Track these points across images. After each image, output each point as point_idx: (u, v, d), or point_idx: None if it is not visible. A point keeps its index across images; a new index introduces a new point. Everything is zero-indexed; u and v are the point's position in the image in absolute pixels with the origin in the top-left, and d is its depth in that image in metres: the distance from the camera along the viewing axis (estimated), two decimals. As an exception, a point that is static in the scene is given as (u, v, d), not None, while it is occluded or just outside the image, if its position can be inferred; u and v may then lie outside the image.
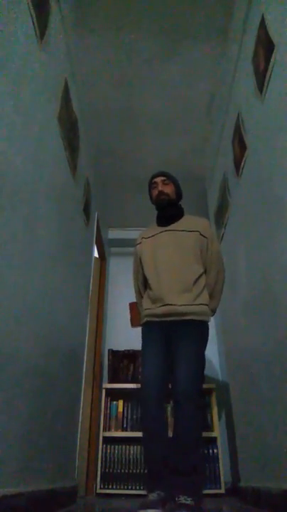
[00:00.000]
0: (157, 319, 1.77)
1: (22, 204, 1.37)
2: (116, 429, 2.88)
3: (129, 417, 2.93)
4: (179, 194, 2.01)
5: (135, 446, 2.82)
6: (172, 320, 1.72)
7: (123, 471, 2.75)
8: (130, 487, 2.69)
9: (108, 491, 2.68)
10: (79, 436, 2.32)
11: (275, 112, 1.68)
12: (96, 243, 3.31)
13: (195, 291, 1.75)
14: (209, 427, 2.80)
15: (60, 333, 1.92)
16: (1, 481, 1.12)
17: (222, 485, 2.63)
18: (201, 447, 2.28)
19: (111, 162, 3.47)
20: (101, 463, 2.75)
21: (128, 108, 2.95)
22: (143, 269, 1.92)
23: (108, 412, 2.94)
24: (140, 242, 2.00)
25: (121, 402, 2.98)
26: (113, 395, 3.04)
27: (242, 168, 2.24)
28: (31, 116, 1.49)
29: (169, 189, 1.95)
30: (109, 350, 3.33)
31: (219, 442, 2.75)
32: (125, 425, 2.90)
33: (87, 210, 2.73)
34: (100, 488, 2.69)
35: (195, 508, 1.42)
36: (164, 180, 1.97)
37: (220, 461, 2.70)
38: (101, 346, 3.47)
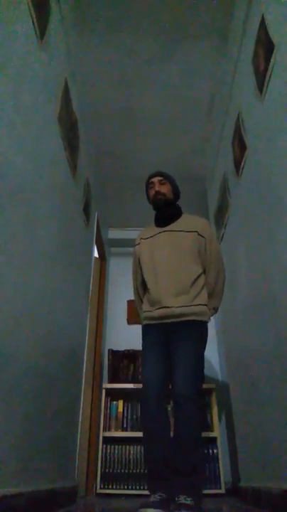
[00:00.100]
0: (155, 322, 1.77)
1: (22, 204, 1.37)
2: (116, 429, 2.88)
3: (129, 417, 2.93)
4: (176, 194, 2.00)
5: (135, 446, 2.82)
6: (171, 321, 1.73)
7: (123, 471, 2.75)
8: (130, 487, 2.69)
9: (108, 491, 2.68)
10: (79, 436, 2.32)
11: (275, 112, 1.68)
12: (96, 243, 3.31)
13: (193, 292, 1.75)
14: (209, 427, 2.80)
15: (60, 333, 1.92)
16: (1, 481, 1.12)
17: (222, 485, 2.63)
18: (201, 447, 2.27)
19: (111, 162, 3.47)
20: (101, 463, 2.75)
21: (128, 108, 2.95)
22: (141, 270, 1.93)
23: (108, 412, 2.94)
24: (139, 243, 2.00)
25: (121, 402, 2.98)
26: (113, 395, 3.04)
27: (242, 168, 2.24)
28: (31, 116, 1.49)
29: (166, 189, 1.95)
30: (109, 350, 3.33)
31: (219, 442, 2.75)
32: (125, 425, 2.90)
33: (87, 210, 2.73)
34: (100, 488, 2.69)
35: (195, 508, 1.42)
36: (161, 180, 1.96)
37: (220, 461, 2.70)
38: (101, 346, 3.47)
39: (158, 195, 1.93)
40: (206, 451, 2.73)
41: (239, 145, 2.28)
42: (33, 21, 1.48)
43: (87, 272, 2.84)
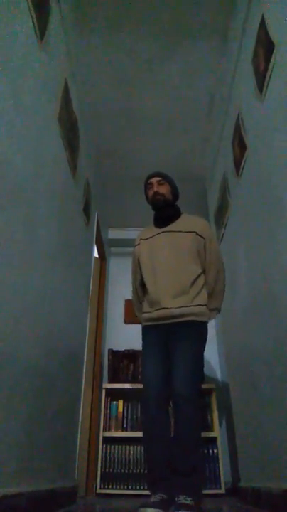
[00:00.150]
0: (154, 323, 1.78)
1: (22, 204, 1.37)
2: (116, 429, 2.88)
3: (129, 417, 2.94)
4: (175, 194, 2.00)
5: (135, 446, 2.82)
6: (170, 322, 1.73)
7: (123, 471, 2.75)
8: (130, 487, 2.69)
9: (108, 491, 2.68)
10: (79, 436, 2.32)
11: (275, 112, 1.68)
12: (96, 243, 3.31)
13: (192, 293, 1.75)
14: (209, 427, 2.80)
15: (60, 333, 1.92)
16: (1, 481, 1.12)
17: (222, 485, 2.63)
18: (201, 447, 2.27)
19: (111, 162, 3.47)
20: (101, 463, 2.75)
21: (128, 108, 2.95)
22: (141, 271, 1.93)
23: (108, 412, 2.95)
24: (138, 244, 2.00)
25: (121, 402, 2.98)
26: (113, 395, 3.04)
27: (242, 168, 2.24)
28: (31, 116, 1.49)
29: (164, 189, 1.94)
30: (109, 350, 3.33)
31: (219, 442, 2.75)
32: (125, 425, 2.91)
33: (87, 210, 2.73)
34: (100, 488, 2.69)
35: (195, 508, 1.42)
36: (159, 180, 1.96)
37: (220, 461, 2.70)
38: (101, 346, 3.46)
39: (157, 196, 1.93)
40: (206, 451, 2.73)
41: (239, 145, 2.28)
42: (33, 21, 1.48)
43: (87, 272, 2.84)
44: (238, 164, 2.32)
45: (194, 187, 3.58)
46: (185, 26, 2.37)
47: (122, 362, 3.24)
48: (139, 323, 1.95)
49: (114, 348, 3.35)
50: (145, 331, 1.83)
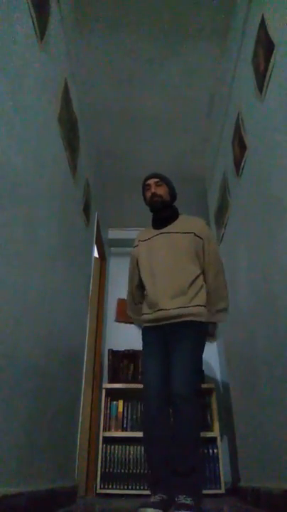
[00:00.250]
0: (153, 324, 1.78)
1: (22, 204, 1.37)
2: (116, 429, 2.89)
3: (129, 417, 2.94)
4: (173, 195, 2.00)
5: (135, 446, 2.82)
6: (169, 323, 1.73)
7: (123, 471, 2.75)
8: (130, 487, 2.69)
9: (108, 491, 2.68)
10: (79, 436, 2.32)
11: (275, 112, 1.68)
12: (96, 243, 3.31)
13: (191, 293, 1.75)
14: (209, 427, 2.80)
15: (60, 333, 1.92)
16: (1, 481, 1.12)
17: (222, 485, 2.64)
18: (200, 447, 2.28)
19: (111, 162, 3.47)
20: (101, 463, 2.75)
21: (128, 108, 2.95)
22: (140, 272, 1.93)
23: (108, 412, 2.95)
24: (137, 245, 2.00)
25: (121, 402, 2.98)
26: (113, 395, 3.04)
27: (242, 168, 2.24)
28: (31, 116, 1.49)
29: (162, 191, 1.94)
30: (109, 350, 3.33)
31: (219, 442, 2.75)
32: (125, 425, 2.91)
33: (87, 211, 2.73)
34: (100, 488, 2.69)
35: (195, 508, 1.42)
36: (157, 181, 1.95)
37: (220, 461, 2.70)
38: (101, 346, 3.47)
39: (155, 197, 1.93)
40: (206, 451, 2.73)
41: (239, 145, 2.28)
42: (33, 21, 1.48)
43: (87, 272, 2.84)
44: (238, 164, 2.32)
45: (194, 187, 3.58)
46: (185, 26, 2.37)
47: (122, 362, 3.24)
48: (131, 323, 1.95)
49: (114, 348, 3.35)
50: (145, 331, 1.84)
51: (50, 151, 1.76)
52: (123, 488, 2.69)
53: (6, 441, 1.17)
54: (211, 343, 2.05)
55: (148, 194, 1.96)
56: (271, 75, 1.69)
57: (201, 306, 1.76)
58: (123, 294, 2.20)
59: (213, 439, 2.75)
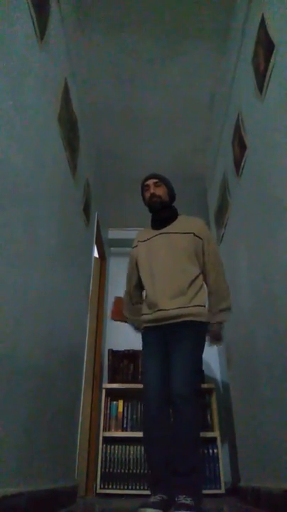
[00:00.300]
0: (152, 324, 1.78)
1: (22, 204, 1.37)
2: (116, 429, 2.89)
3: (129, 417, 2.94)
4: (172, 196, 2.00)
5: (135, 446, 2.82)
6: (168, 323, 1.73)
7: (123, 471, 2.75)
8: (130, 487, 2.69)
9: (108, 491, 2.68)
10: (79, 436, 2.32)
11: (275, 112, 1.68)
12: (96, 243, 3.31)
13: (190, 294, 1.75)
14: (209, 427, 2.80)
15: (60, 333, 1.92)
16: (1, 481, 1.12)
17: (222, 485, 2.63)
18: (200, 447, 2.28)
19: (111, 162, 3.47)
20: (101, 463, 2.75)
21: (128, 108, 2.95)
22: (139, 273, 1.93)
23: (108, 412, 2.95)
24: (136, 245, 2.01)
25: (121, 402, 2.98)
26: (113, 395, 3.04)
27: (242, 168, 2.24)
28: (31, 116, 1.49)
29: (161, 191, 1.94)
30: (109, 350, 3.33)
31: (219, 442, 2.75)
32: (125, 425, 2.91)
33: (87, 211, 2.73)
34: (100, 488, 2.69)
35: (195, 508, 1.42)
36: (156, 182, 1.96)
37: (220, 461, 2.70)
38: (101, 346, 3.47)
39: (154, 198, 1.93)
40: (206, 451, 2.73)
41: (239, 145, 2.28)
42: (33, 21, 1.48)
43: (87, 272, 2.84)
44: (238, 164, 2.32)
45: (194, 187, 3.58)
46: (186, 26, 2.37)
47: (122, 362, 3.24)
48: (126, 322, 1.97)
49: (114, 348, 3.35)
50: (145, 332, 1.84)
51: (50, 151, 1.76)
52: (123, 488, 2.69)
53: (6, 441, 1.17)
54: (218, 347, 2.04)
55: (147, 195, 1.96)
56: (271, 75, 1.69)
57: (200, 306, 1.76)
58: (119, 293, 2.21)
59: (213, 439, 2.75)
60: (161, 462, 1.58)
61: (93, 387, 3.09)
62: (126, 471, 2.75)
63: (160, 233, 1.92)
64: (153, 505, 1.45)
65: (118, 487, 2.70)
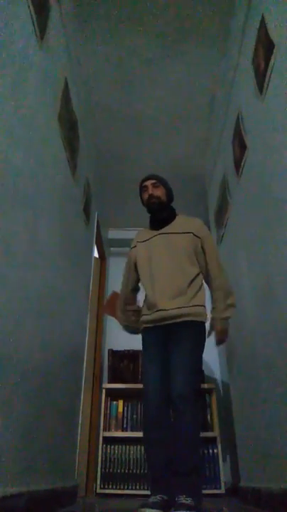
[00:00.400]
0: (152, 325, 1.78)
1: (22, 204, 1.37)
2: (116, 429, 2.88)
3: (129, 417, 2.93)
4: (170, 196, 2.00)
5: (135, 446, 2.82)
6: (168, 323, 1.73)
7: (123, 471, 2.75)
8: (130, 487, 2.69)
9: (108, 491, 2.68)
10: (79, 436, 2.32)
11: (275, 112, 1.68)
12: (96, 243, 3.31)
13: (190, 294, 1.75)
14: (209, 427, 2.80)
15: (60, 333, 1.92)
16: (1, 481, 1.12)
17: (222, 485, 2.63)
18: (200, 447, 2.28)
19: (111, 162, 3.47)
20: (101, 463, 2.75)
21: (128, 108, 2.95)
22: (138, 273, 1.93)
23: (108, 412, 2.94)
24: (135, 246, 2.01)
25: (121, 402, 2.98)
26: (113, 395, 3.04)
27: (242, 168, 2.24)
28: (31, 116, 1.49)
29: (159, 192, 1.95)
30: (109, 350, 3.33)
31: (219, 442, 2.74)
32: (125, 425, 2.90)
33: (87, 210, 2.73)
34: (100, 488, 2.69)
35: (195, 508, 1.41)
36: (154, 183, 1.96)
37: (220, 461, 2.70)
38: (101, 346, 3.47)
39: (152, 199, 1.93)
40: (206, 451, 2.73)
41: (239, 145, 2.28)
42: (33, 21, 1.48)
43: (87, 272, 2.84)
44: (238, 164, 2.32)
45: (194, 187, 3.58)
46: (186, 26, 2.37)
47: (122, 362, 3.24)
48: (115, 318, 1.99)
49: (114, 348, 3.34)
50: (145, 333, 1.84)
51: (50, 151, 1.76)
52: (123, 488, 2.69)
53: (6, 441, 1.17)
54: (218, 346, 2.05)
55: (146, 195, 1.97)
56: (270, 75, 1.69)
57: (200, 306, 1.76)
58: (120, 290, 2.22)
59: (213, 439, 2.75)
60: (161, 462, 1.58)
61: (93, 387, 3.09)
62: (126, 471, 2.75)
63: (159, 233, 1.92)
64: (153, 505, 1.45)
65: (118, 487, 2.70)
